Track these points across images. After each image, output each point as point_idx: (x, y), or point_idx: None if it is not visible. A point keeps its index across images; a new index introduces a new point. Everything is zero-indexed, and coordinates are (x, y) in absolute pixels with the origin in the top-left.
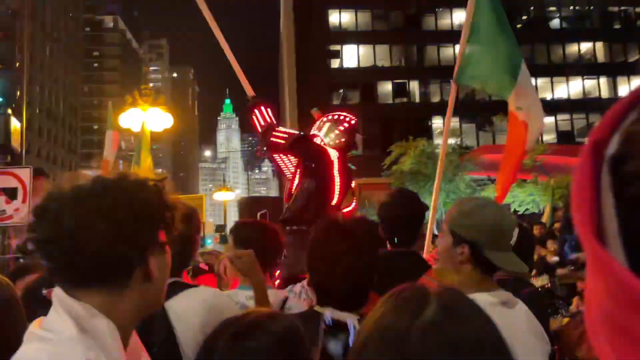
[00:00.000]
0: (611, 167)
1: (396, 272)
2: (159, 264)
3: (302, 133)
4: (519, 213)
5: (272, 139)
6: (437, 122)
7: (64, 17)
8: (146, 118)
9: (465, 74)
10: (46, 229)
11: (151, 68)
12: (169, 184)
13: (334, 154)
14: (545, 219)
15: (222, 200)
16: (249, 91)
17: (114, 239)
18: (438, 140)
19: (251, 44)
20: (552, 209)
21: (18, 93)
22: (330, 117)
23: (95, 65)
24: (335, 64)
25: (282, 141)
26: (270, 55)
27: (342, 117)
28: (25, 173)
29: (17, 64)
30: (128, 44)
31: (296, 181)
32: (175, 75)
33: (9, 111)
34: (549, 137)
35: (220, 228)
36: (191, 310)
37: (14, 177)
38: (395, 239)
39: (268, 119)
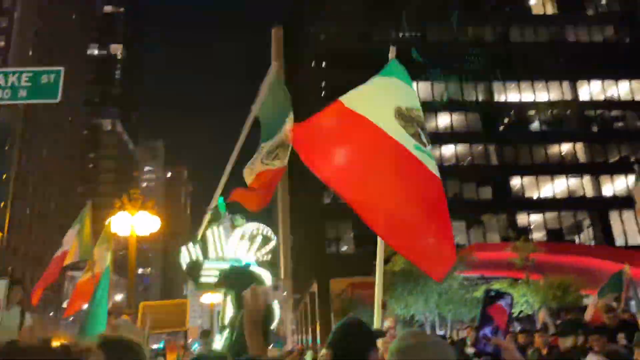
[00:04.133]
0: None
1: None
2: None
3: None
4: (513, 316)
5: None
6: None
7: (64, 121)
8: (134, 222)
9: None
10: None
11: (146, 168)
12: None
13: None
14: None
15: (209, 302)
16: (214, 202)
17: None
18: None
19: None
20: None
21: (2, 203)
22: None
23: (91, 166)
24: None
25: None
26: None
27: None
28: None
29: (4, 177)
30: (124, 146)
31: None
32: (169, 175)
33: None
34: (539, 235)
35: (205, 334)
36: None
37: None
38: None
39: None
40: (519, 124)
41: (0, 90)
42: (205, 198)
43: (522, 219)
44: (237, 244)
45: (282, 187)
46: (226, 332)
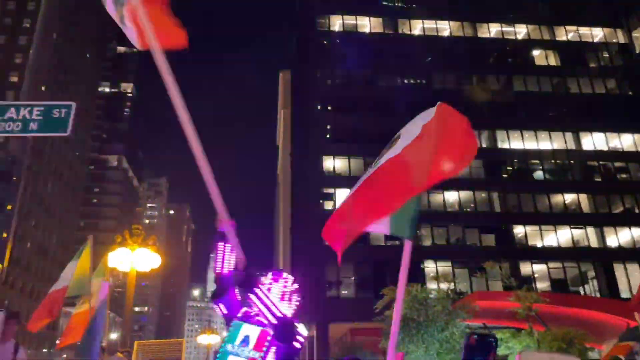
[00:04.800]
0: None
1: None
2: None
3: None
4: None
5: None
6: (429, 266)
7: (71, 155)
8: (134, 258)
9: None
10: None
11: (149, 205)
12: None
13: None
14: None
15: (206, 343)
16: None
17: None
18: (431, 285)
19: (247, 183)
20: None
21: (5, 234)
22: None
23: (95, 201)
24: (328, 206)
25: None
26: (266, 195)
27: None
28: None
29: (9, 207)
30: (129, 182)
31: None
32: (172, 212)
33: None
34: (543, 286)
35: None
36: None
37: None
38: None
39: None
40: (522, 173)
41: (11, 122)
42: (206, 236)
43: (525, 268)
44: (278, 302)
45: (284, 228)
46: None
